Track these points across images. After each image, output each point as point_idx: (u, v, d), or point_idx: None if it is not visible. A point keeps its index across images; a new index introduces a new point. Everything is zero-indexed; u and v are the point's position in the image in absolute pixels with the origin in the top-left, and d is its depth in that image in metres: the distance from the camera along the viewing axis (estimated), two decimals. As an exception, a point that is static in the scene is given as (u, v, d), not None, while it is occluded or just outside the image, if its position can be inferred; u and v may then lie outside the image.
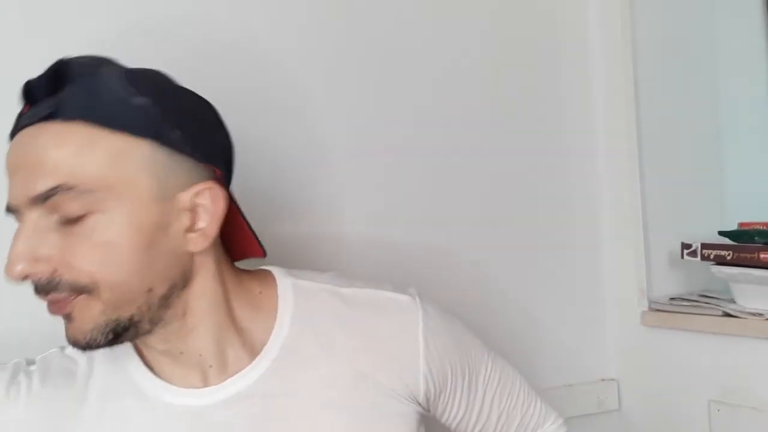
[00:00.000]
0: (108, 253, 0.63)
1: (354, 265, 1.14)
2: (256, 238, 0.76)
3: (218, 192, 0.68)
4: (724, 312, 1.21)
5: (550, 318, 1.35)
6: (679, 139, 1.40)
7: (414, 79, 1.24)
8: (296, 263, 0.86)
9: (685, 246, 1.27)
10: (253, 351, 0.73)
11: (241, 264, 0.79)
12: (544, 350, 1.33)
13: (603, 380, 1.40)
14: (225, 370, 0.72)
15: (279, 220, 1.11)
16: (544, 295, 1.35)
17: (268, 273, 0.78)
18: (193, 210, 0.67)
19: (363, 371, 0.74)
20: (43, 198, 0.62)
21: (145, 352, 0.73)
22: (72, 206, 0.62)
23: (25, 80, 0.66)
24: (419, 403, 0.77)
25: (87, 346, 0.66)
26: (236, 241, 0.76)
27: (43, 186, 0.61)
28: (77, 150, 0.62)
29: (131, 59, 0.70)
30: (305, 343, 0.74)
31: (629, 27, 1.36)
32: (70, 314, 0.65)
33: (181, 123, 0.66)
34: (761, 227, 1.23)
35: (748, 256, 1.17)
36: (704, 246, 1.24)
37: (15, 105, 0.68)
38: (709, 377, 1.25)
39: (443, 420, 0.83)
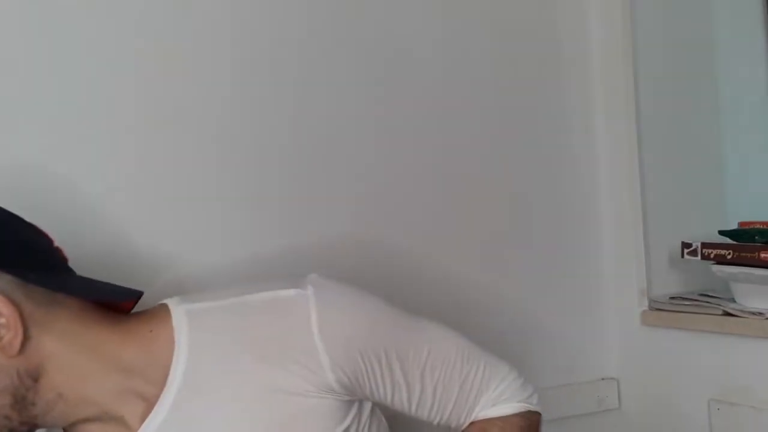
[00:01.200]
0: None
1: (355, 271, 1.13)
2: (111, 297, 0.78)
3: None
4: (724, 311, 1.21)
5: (551, 317, 1.35)
6: (679, 138, 1.40)
7: (413, 82, 1.23)
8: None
9: (686, 245, 1.27)
10: (158, 389, 0.74)
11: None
12: (544, 350, 1.33)
13: (603, 379, 1.40)
14: (139, 416, 0.74)
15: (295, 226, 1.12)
16: (544, 294, 1.34)
17: (165, 306, 0.78)
18: None
19: (265, 381, 0.74)
20: None
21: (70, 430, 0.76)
22: None
23: None
24: (337, 392, 0.75)
25: None
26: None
27: None
28: None
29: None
30: (207, 367, 0.74)
31: (629, 27, 1.37)
32: None
33: None
34: (761, 226, 1.23)
35: (749, 255, 1.17)
36: (704, 245, 1.24)
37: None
38: (709, 377, 1.25)
39: (374, 400, 0.81)
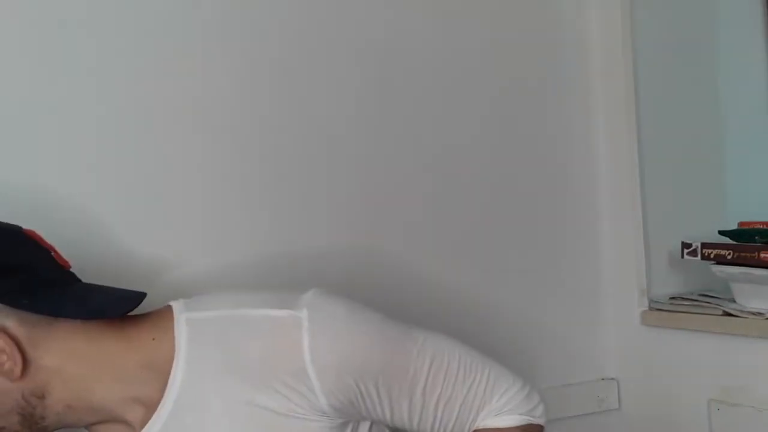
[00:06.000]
0: None
1: (352, 277, 1.13)
2: (106, 313, 0.76)
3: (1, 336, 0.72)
4: (724, 311, 1.21)
5: (551, 318, 1.35)
6: (679, 139, 1.40)
7: (413, 81, 1.23)
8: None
9: (686, 245, 1.27)
10: (159, 396, 0.75)
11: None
12: (544, 350, 1.33)
13: (603, 379, 1.40)
14: (140, 421, 0.76)
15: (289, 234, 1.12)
16: (544, 295, 1.34)
17: (169, 310, 0.78)
18: None
19: (255, 402, 0.74)
20: None
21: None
22: None
23: None
24: (330, 416, 0.75)
25: None
26: None
27: None
28: None
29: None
30: (200, 382, 0.75)
31: (629, 27, 1.36)
32: None
33: None
34: (761, 227, 1.23)
35: (749, 255, 1.17)
36: (704, 245, 1.24)
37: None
38: (709, 377, 1.25)
39: (373, 420, 0.80)
